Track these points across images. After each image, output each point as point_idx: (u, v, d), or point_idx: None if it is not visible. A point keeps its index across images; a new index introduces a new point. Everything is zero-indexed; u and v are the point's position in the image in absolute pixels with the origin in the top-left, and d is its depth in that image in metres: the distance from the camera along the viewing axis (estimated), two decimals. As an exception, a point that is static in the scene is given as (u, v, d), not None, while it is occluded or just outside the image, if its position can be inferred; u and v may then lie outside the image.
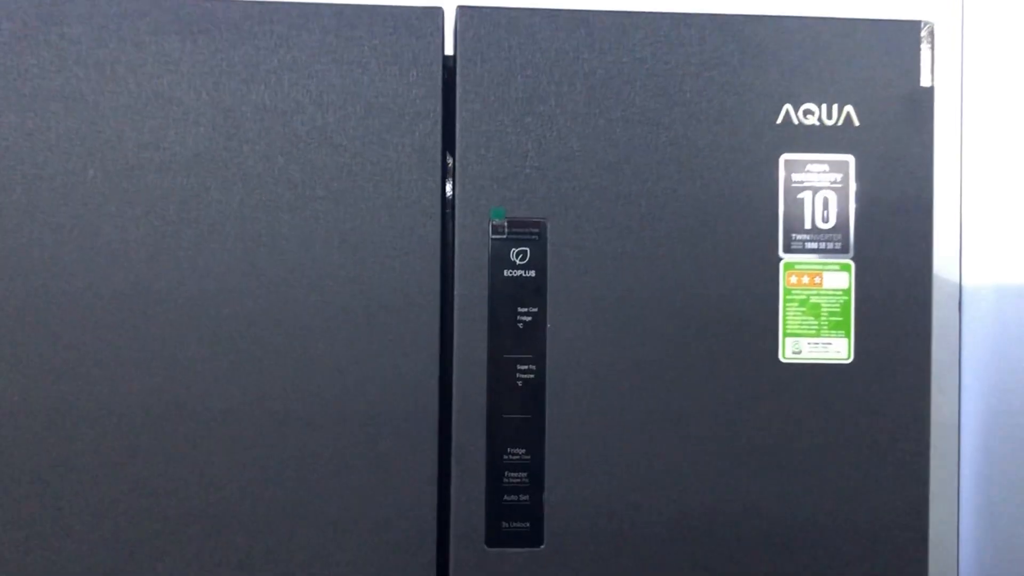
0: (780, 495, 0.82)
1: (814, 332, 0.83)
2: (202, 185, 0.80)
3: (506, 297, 0.82)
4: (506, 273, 0.82)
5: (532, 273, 0.82)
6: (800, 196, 0.84)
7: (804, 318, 0.83)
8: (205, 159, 0.80)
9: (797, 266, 0.83)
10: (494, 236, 0.82)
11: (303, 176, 0.81)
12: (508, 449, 0.82)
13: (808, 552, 0.83)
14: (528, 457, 0.82)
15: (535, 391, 0.82)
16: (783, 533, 0.83)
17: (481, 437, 0.81)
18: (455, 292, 0.82)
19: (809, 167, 0.84)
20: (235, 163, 0.80)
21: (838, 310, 0.83)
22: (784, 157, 0.84)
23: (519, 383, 0.82)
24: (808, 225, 0.84)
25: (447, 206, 0.83)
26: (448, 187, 0.83)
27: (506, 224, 0.82)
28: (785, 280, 0.83)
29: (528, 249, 0.82)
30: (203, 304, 0.80)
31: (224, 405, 0.80)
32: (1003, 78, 1.26)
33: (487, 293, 0.82)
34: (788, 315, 0.83)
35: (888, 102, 0.84)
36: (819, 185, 0.84)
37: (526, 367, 0.82)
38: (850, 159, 0.84)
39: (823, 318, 0.83)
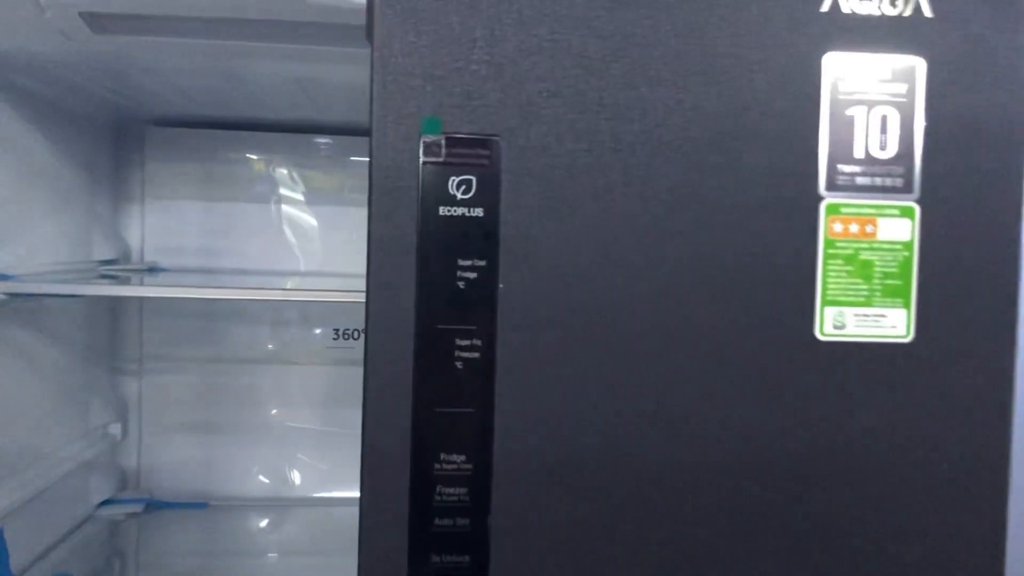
0: (820, 512, 0.61)
1: (863, 300, 0.61)
2: None
3: (441, 245, 0.59)
4: (442, 211, 0.59)
5: (478, 212, 0.59)
6: (849, 113, 0.61)
7: (850, 281, 0.61)
8: None
9: (843, 209, 0.61)
10: (426, 159, 0.58)
11: None
12: (441, 455, 0.59)
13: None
14: (468, 466, 0.59)
15: (480, 376, 0.59)
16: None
17: (403, 439, 0.58)
18: (368, 236, 0.58)
19: (863, 73, 0.61)
20: None
21: (896, 270, 0.61)
22: (828, 58, 0.61)
23: (458, 364, 0.59)
24: (859, 153, 0.61)
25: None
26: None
27: (443, 142, 0.58)
28: (827, 229, 0.61)
29: (474, 178, 0.59)
30: None
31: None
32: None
33: (415, 240, 0.58)
34: (829, 276, 0.61)
35: (973, -15, 0.61)
36: (876, 99, 0.61)
37: (468, 342, 0.59)
38: (919, 63, 0.61)
39: (876, 281, 0.61)
